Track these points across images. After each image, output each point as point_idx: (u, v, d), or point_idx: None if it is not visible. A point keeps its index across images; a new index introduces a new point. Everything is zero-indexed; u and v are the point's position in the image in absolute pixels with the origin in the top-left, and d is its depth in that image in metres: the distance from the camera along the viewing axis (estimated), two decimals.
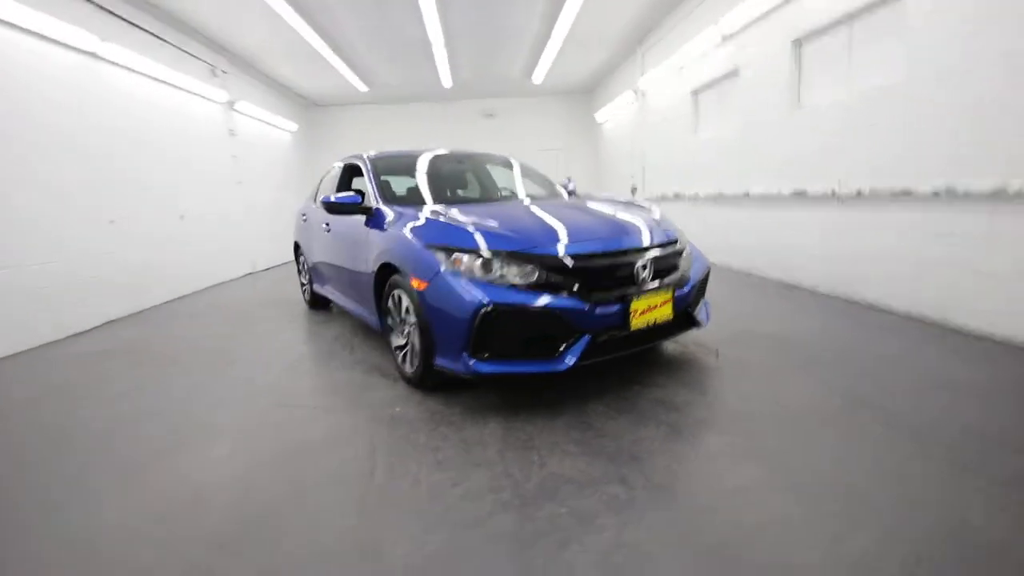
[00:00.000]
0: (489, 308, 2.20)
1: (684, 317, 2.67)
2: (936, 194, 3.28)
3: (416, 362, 2.63)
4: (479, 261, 2.33)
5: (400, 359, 2.85)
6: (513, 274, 2.29)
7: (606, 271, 2.39)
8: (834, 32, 4.27)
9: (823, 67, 4.46)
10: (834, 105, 4.29)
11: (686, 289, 2.64)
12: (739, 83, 5.61)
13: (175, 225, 6.28)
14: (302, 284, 5.29)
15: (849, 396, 2.38)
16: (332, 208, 3.35)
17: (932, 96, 3.33)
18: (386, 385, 2.86)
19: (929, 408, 2.22)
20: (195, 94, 6.91)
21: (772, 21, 4.92)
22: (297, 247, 5.23)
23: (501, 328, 2.23)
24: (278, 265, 9.65)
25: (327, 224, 3.96)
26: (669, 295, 2.53)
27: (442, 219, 2.65)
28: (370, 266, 3.05)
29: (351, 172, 4.23)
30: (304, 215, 4.84)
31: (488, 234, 2.42)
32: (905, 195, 3.53)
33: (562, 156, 12.40)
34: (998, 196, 2.91)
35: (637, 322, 2.39)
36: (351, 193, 3.30)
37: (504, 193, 3.84)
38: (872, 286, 3.94)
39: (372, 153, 3.86)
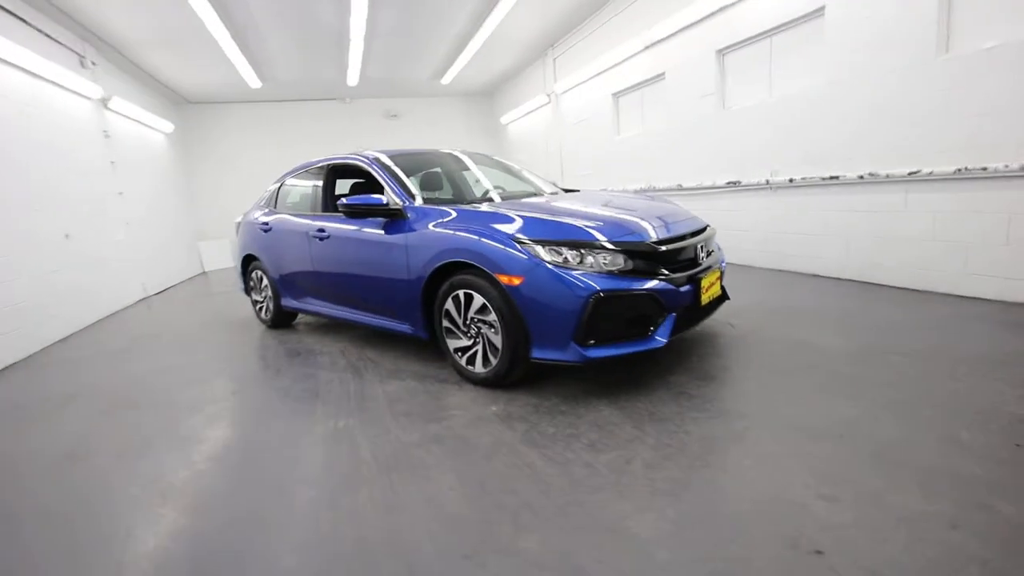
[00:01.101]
0: (601, 295, 2.29)
1: (723, 292, 3.02)
2: (862, 178, 4.09)
3: (495, 360, 2.60)
4: (577, 252, 2.40)
5: (465, 361, 2.78)
6: (610, 262, 2.40)
7: (681, 254, 2.62)
8: (756, 43, 5.02)
9: (746, 74, 5.21)
10: (758, 107, 5.05)
11: (723, 266, 2.99)
12: (665, 86, 6.27)
13: (59, 247, 5.16)
14: (255, 302, 4.73)
15: (824, 334, 2.91)
16: (355, 212, 3.13)
17: (848, 99, 4.14)
18: (454, 389, 2.77)
19: (887, 338, 2.83)
20: (65, 88, 5.72)
21: (697, 32, 5.60)
22: (248, 262, 4.66)
23: (607, 314, 2.33)
24: (174, 285, 8.38)
25: (321, 231, 3.63)
26: (719, 272, 2.85)
27: (526, 214, 2.66)
28: (414, 271, 2.91)
29: (338, 174, 3.95)
30: (265, 224, 4.33)
31: (573, 227, 2.49)
32: (834, 181, 4.32)
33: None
34: (912, 177, 3.74)
35: (704, 298, 2.67)
36: (373, 195, 3.13)
37: (528, 189, 3.85)
38: (804, 259, 4.74)
39: (382, 152, 3.65)
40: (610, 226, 2.55)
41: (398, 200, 3.12)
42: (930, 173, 3.61)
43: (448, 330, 2.84)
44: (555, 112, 9.16)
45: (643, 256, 2.48)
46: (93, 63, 6.48)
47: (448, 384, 2.86)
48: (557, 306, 2.34)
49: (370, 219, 3.27)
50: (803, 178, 4.60)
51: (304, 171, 4.24)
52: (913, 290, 3.88)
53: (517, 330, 2.47)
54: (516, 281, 2.42)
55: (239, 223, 4.91)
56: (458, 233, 2.71)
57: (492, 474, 1.90)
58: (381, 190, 3.38)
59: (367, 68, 8.91)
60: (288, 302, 4.26)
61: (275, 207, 4.40)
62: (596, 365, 2.72)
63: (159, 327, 5.19)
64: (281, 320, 4.50)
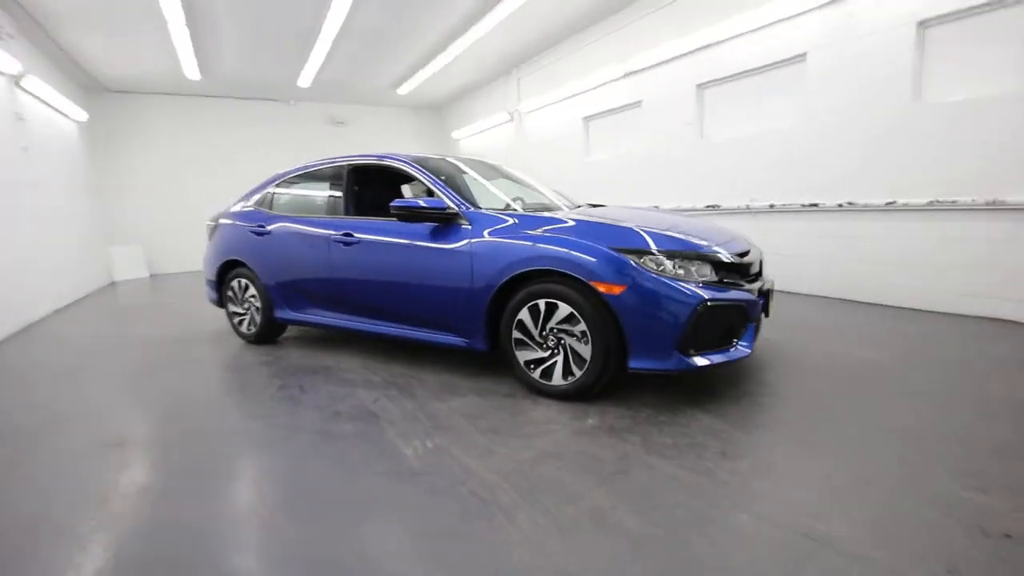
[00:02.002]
0: (708, 304, 2.32)
1: None
2: (841, 206, 4.58)
3: (580, 372, 2.52)
4: (675, 262, 2.42)
5: (539, 374, 2.67)
6: (702, 274, 2.45)
7: (750, 267, 2.74)
8: (738, 81, 5.48)
9: (728, 107, 5.65)
10: (735, 140, 5.49)
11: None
12: (642, 113, 6.61)
13: None
14: (236, 315, 4.19)
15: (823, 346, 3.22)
16: (410, 216, 2.93)
17: (828, 136, 4.64)
18: (528, 404, 2.63)
19: (872, 343, 3.19)
20: None
21: (678, 66, 6.00)
22: (227, 268, 4.14)
23: (707, 323, 2.37)
24: (91, 294, 7.22)
25: (347, 236, 3.33)
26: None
27: (622, 224, 2.63)
28: (482, 279, 2.76)
29: (361, 176, 3.67)
30: (260, 228, 3.88)
31: (671, 238, 2.53)
32: (814, 207, 4.79)
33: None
34: (889, 207, 4.25)
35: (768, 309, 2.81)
36: (425, 199, 2.96)
37: (544, 201, 3.80)
38: (783, 277, 5.19)
39: (414, 155, 3.47)
40: (700, 237, 2.62)
41: (453, 205, 2.96)
42: (905, 204, 4.14)
43: (519, 341, 2.71)
44: (518, 131, 9.28)
45: (727, 268, 2.56)
46: (10, 35, 5.50)
47: (518, 398, 2.71)
48: (662, 315, 2.33)
49: (414, 224, 3.08)
50: (783, 204, 5.05)
51: (311, 171, 3.89)
52: (889, 306, 4.38)
53: (611, 340, 2.43)
54: (617, 290, 2.38)
55: (212, 226, 4.37)
56: (541, 243, 2.61)
57: (641, 489, 1.83)
58: (426, 193, 3.23)
59: (326, 70, 8.45)
60: (284, 314, 3.83)
61: (269, 209, 3.98)
62: (674, 376, 2.75)
63: (118, 342, 4.43)
64: (268, 334, 4.04)
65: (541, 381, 2.67)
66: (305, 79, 8.86)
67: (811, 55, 4.71)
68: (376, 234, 3.25)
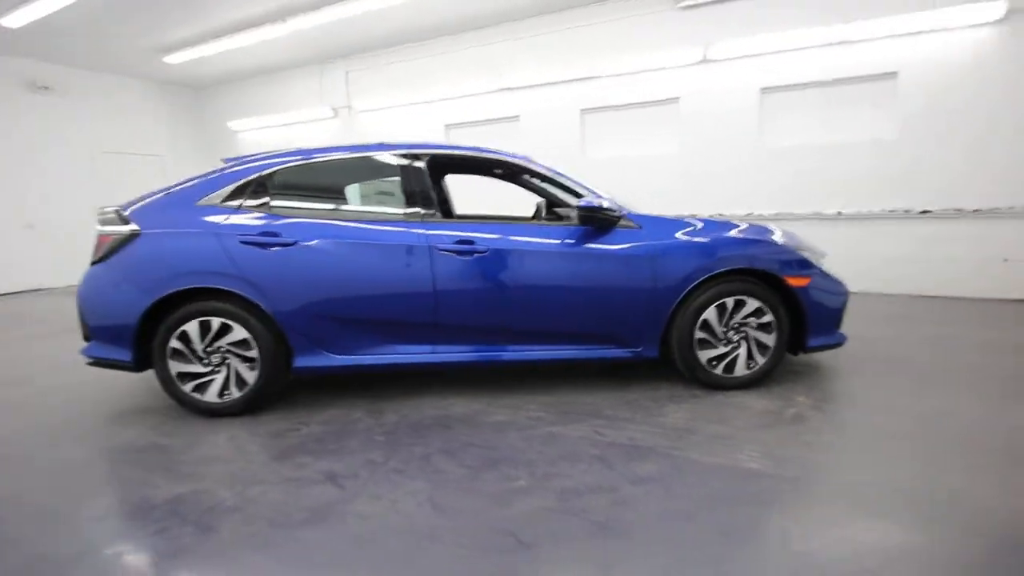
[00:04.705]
0: (849, 292, 2.95)
1: None
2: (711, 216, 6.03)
3: (763, 360, 2.81)
4: (820, 257, 2.95)
5: (722, 369, 2.81)
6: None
7: None
8: (617, 111, 6.46)
9: (605, 132, 6.58)
10: (613, 160, 6.49)
11: None
12: (519, 128, 6.97)
13: None
14: (189, 377, 2.63)
15: None
16: (597, 218, 2.65)
17: (691, 162, 6.05)
18: (721, 399, 2.74)
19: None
20: None
21: (561, 90, 6.62)
22: (171, 305, 2.58)
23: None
24: None
25: (465, 243, 2.62)
26: None
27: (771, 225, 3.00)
28: (665, 282, 2.72)
29: (441, 168, 2.91)
30: (269, 234, 2.57)
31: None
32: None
33: (168, 165, 9.30)
34: (748, 217, 5.88)
35: None
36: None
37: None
38: None
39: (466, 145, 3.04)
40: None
41: (611, 206, 2.76)
42: (759, 215, 5.81)
43: (701, 341, 2.78)
44: (348, 129, 8.27)
45: None
46: None
47: (711, 395, 2.77)
48: (831, 301, 2.86)
49: (548, 227, 2.79)
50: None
51: (351, 156, 2.88)
52: None
53: (792, 325, 2.80)
54: (804, 282, 2.77)
55: (122, 235, 2.61)
56: (726, 244, 2.79)
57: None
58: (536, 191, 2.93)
59: (70, 9, 5.66)
60: (317, 359, 2.68)
61: (269, 205, 2.69)
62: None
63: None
64: (263, 396, 2.72)
65: (724, 375, 2.82)
66: (19, 16, 5.70)
67: (682, 99, 6.04)
68: (508, 240, 2.70)
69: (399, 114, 7.85)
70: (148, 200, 2.72)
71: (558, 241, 2.74)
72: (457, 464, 2.15)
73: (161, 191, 2.77)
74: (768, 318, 2.77)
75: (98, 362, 2.70)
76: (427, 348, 2.76)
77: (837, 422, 2.49)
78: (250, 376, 2.65)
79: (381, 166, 2.89)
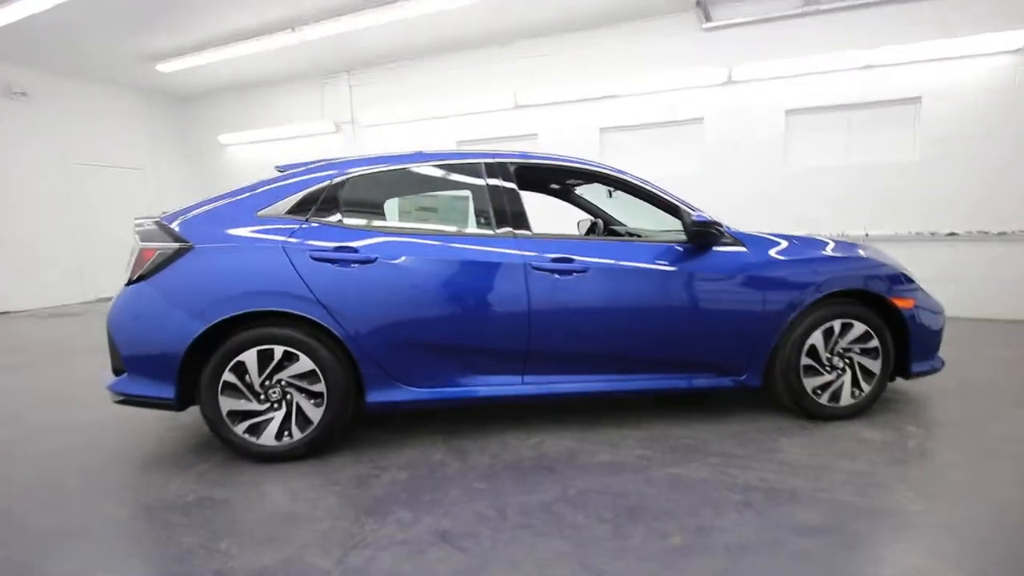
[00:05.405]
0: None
1: None
2: None
3: (868, 388, 2.64)
4: None
5: (827, 399, 2.62)
6: None
7: None
8: (640, 131, 6.39)
9: (625, 152, 6.49)
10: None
11: None
12: (538, 145, 6.81)
13: None
14: (244, 416, 2.26)
15: None
16: (711, 235, 2.52)
17: (717, 182, 5.99)
18: (820, 430, 2.54)
19: None
20: None
21: (580, 108, 6.51)
22: (223, 333, 2.22)
23: None
24: None
25: (563, 262, 2.38)
26: None
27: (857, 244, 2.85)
28: (773, 305, 2.53)
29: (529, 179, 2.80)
30: (345, 248, 2.27)
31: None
32: None
33: (149, 179, 8.73)
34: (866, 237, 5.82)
35: None
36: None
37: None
38: None
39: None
40: None
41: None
42: None
43: (807, 368, 2.59)
44: (352, 145, 7.93)
45: None
46: None
47: (813, 428, 2.57)
48: (933, 323, 2.72)
49: (642, 245, 2.61)
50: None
51: (436, 164, 2.59)
52: None
53: (895, 350, 2.65)
54: (910, 304, 2.63)
55: (170, 250, 2.25)
56: (830, 264, 2.63)
57: None
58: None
59: (51, 12, 5.20)
60: (394, 393, 2.36)
61: (342, 218, 2.38)
62: None
63: None
64: (326, 437, 2.36)
65: (830, 405, 2.63)
66: (9, 12, 5.21)
67: (706, 120, 6.02)
68: (609, 258, 2.46)
69: (408, 129, 7.58)
70: (197, 211, 2.37)
71: (665, 260, 2.52)
72: (589, 516, 1.85)
73: (210, 201, 2.42)
74: (874, 343, 2.62)
75: (130, 400, 2.29)
76: (515, 379, 2.47)
77: (966, 452, 2.31)
78: (315, 414, 2.30)
79: (468, 176, 2.61)
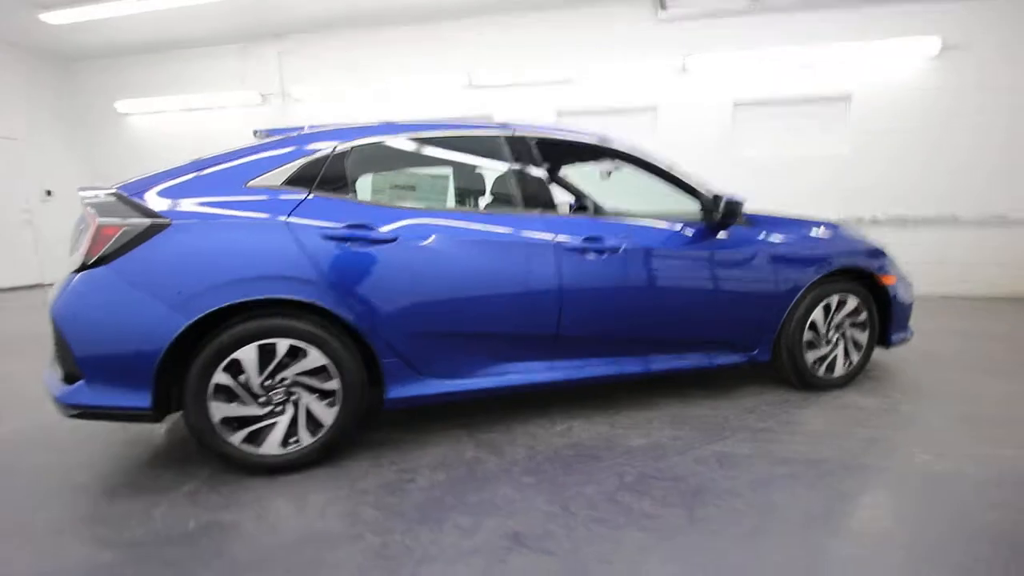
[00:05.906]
0: None
1: None
2: None
3: (857, 358, 2.83)
4: None
5: (824, 370, 2.76)
6: None
7: None
8: (597, 116, 6.40)
9: None
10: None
11: None
12: None
13: None
14: (240, 422, 1.92)
15: None
16: (736, 214, 2.50)
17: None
18: (826, 399, 2.68)
19: None
20: None
21: (535, 91, 6.39)
22: (209, 327, 1.87)
23: None
24: None
25: (593, 241, 2.27)
26: None
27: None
28: (786, 283, 2.62)
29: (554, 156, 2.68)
30: (362, 227, 1.97)
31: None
32: None
33: (25, 150, 7.39)
34: None
35: None
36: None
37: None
38: None
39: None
40: None
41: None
42: None
43: (808, 343, 2.71)
44: (282, 120, 7.20)
45: None
46: None
47: (813, 398, 2.70)
48: (908, 297, 2.96)
49: (675, 225, 2.56)
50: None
51: (458, 135, 2.35)
52: None
53: (880, 322, 2.86)
54: (892, 280, 2.84)
55: (134, 228, 1.80)
56: (828, 244, 2.74)
57: None
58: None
59: None
60: (418, 387, 2.13)
61: (353, 191, 2.09)
62: None
63: None
64: (342, 440, 2.09)
65: (826, 376, 2.78)
66: None
67: (660, 108, 6.16)
68: (639, 237, 2.39)
69: (347, 107, 7.03)
70: (170, 181, 1.95)
71: (693, 240, 2.50)
72: (656, 503, 1.77)
73: (185, 169, 2.00)
74: (863, 316, 2.80)
75: (89, 412, 1.85)
76: (544, 365, 2.33)
77: (961, 415, 2.49)
78: (327, 415, 2.01)
79: (495, 149, 2.39)
